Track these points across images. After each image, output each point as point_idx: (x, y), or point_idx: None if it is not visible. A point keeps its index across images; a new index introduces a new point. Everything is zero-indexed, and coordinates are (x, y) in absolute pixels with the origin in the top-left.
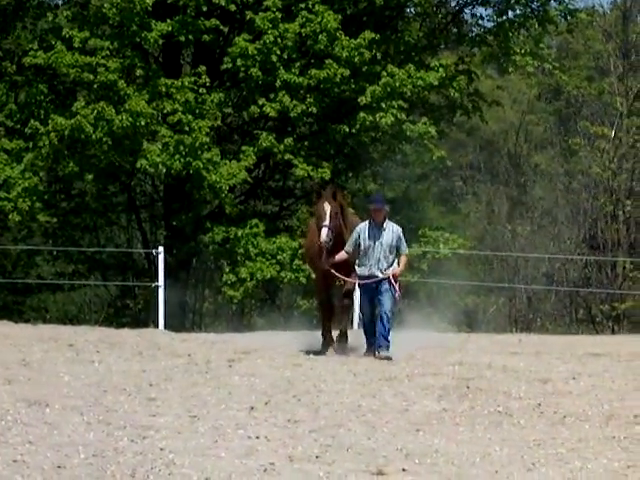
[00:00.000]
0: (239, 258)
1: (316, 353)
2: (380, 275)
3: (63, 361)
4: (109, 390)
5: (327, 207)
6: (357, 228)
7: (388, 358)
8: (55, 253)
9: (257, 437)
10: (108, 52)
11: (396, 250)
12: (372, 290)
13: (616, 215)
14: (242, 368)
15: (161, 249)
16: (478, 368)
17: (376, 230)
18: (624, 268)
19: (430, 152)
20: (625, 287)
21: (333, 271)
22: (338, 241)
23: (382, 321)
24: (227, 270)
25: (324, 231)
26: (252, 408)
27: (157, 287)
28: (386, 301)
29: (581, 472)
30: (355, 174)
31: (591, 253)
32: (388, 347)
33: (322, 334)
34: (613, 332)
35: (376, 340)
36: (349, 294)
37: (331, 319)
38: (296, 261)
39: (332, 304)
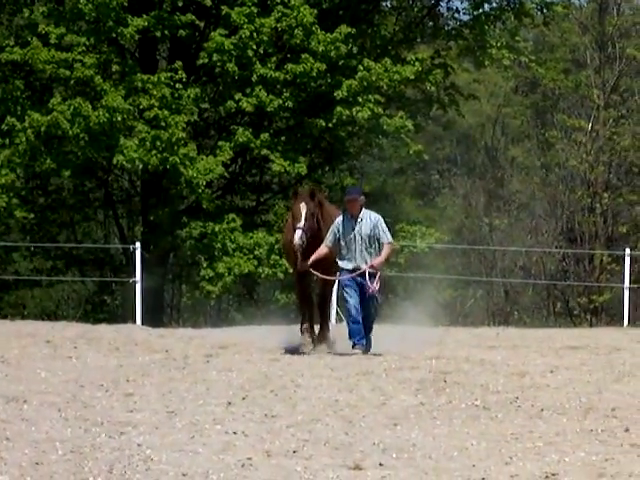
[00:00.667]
0: (216, 253)
1: (293, 351)
2: (363, 266)
3: (41, 357)
4: (86, 386)
5: (303, 208)
6: (335, 223)
7: (370, 355)
8: (32, 249)
9: (234, 432)
10: (84, 48)
11: (377, 241)
12: (357, 283)
13: (593, 208)
14: (219, 363)
15: (138, 244)
16: (456, 362)
17: (352, 222)
18: (601, 261)
19: (407, 146)
20: (602, 280)
21: (312, 270)
22: (316, 241)
23: (365, 322)
24: (205, 265)
25: (297, 233)
26: (229, 403)
27: (134, 282)
28: (369, 310)
29: (559, 465)
30: (332, 168)
31: (568, 246)
32: (370, 347)
33: (301, 331)
34: (591, 325)
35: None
36: (325, 299)
37: (311, 317)
38: (273, 256)
39: (311, 301)
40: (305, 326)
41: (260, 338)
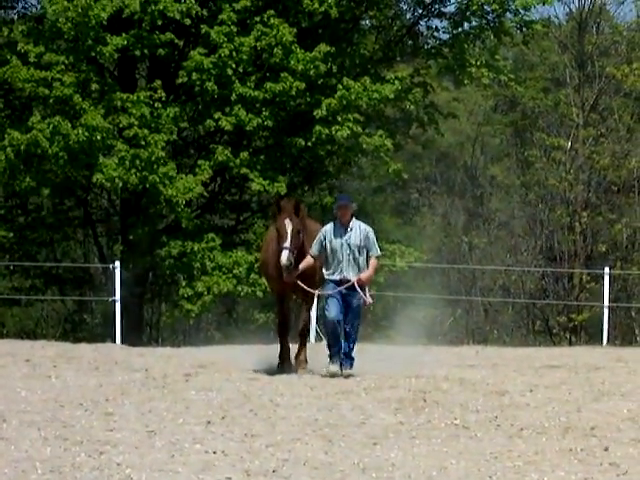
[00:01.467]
0: (195, 272)
1: (272, 372)
2: (352, 278)
3: (20, 376)
4: (66, 405)
5: (289, 225)
6: (322, 230)
7: (350, 375)
8: (12, 268)
9: (214, 452)
10: (63, 67)
11: (366, 252)
12: (341, 293)
13: (573, 227)
14: (199, 382)
15: (117, 263)
16: (435, 381)
17: (342, 230)
18: (581, 280)
19: (386, 165)
20: (582, 298)
21: (300, 282)
22: (300, 258)
23: (347, 339)
24: (184, 284)
25: (285, 254)
26: (209, 422)
27: (114, 301)
28: (354, 318)
29: None
30: (311, 187)
31: (548, 265)
32: (352, 365)
33: (279, 355)
34: (570, 344)
35: (340, 357)
36: (304, 330)
37: (285, 335)
38: (252, 275)
39: (289, 324)
40: (283, 360)
41: (239, 357)
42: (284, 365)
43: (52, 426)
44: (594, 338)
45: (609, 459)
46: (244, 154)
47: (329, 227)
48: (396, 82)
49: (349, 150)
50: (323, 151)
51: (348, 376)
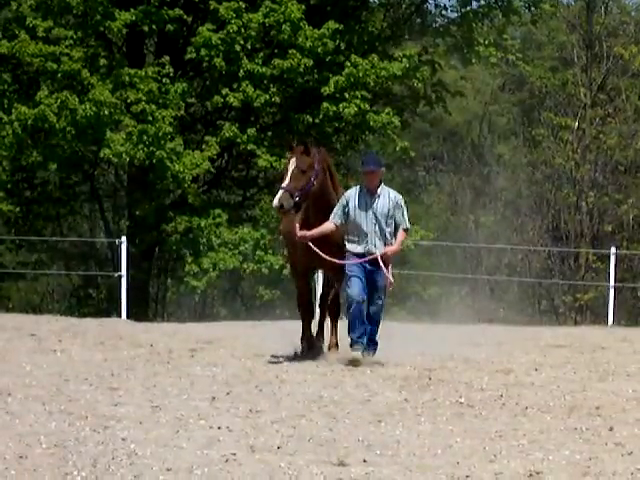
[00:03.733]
0: (202, 248)
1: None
2: (377, 252)
3: (25, 351)
4: (71, 380)
5: (291, 164)
6: (345, 194)
7: (377, 363)
8: (18, 242)
9: (219, 428)
10: (72, 41)
11: (394, 224)
12: (364, 269)
13: (579, 206)
14: (204, 358)
15: (124, 239)
16: (440, 359)
17: (368, 197)
18: (587, 259)
19: (393, 142)
20: (588, 278)
21: (311, 244)
22: (324, 209)
23: (371, 322)
24: (189, 260)
25: (278, 194)
26: (214, 398)
27: (120, 277)
28: (378, 298)
29: (543, 464)
30: None
31: (554, 244)
32: (375, 350)
33: (301, 344)
34: (575, 323)
35: (364, 341)
36: (334, 307)
37: (309, 314)
38: (258, 252)
39: (310, 298)
40: (304, 343)
41: (245, 333)
42: (308, 349)
43: (57, 400)
44: (599, 318)
45: (614, 439)
46: (251, 130)
47: (353, 192)
48: (404, 60)
49: (356, 127)
50: (330, 128)
51: (372, 363)
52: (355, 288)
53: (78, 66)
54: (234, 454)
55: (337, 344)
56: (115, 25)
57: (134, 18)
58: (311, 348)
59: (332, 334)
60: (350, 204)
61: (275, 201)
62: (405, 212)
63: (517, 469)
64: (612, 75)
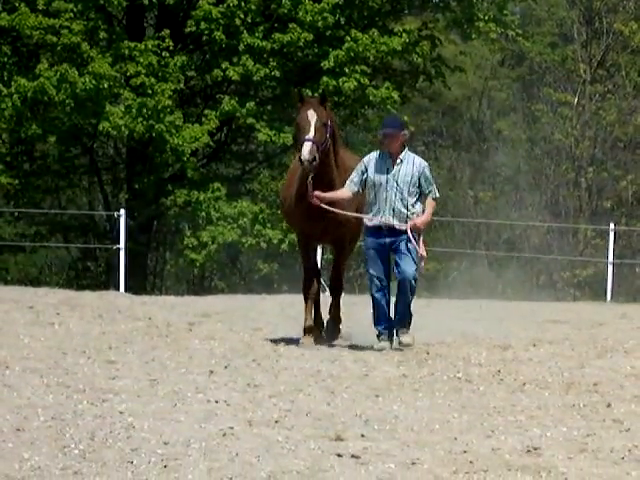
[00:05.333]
0: (200, 222)
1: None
2: (397, 224)
3: (23, 323)
4: (69, 353)
5: (312, 116)
6: (364, 159)
7: (408, 345)
8: (17, 214)
9: (216, 401)
10: (72, 14)
11: (419, 192)
12: (385, 245)
13: (578, 182)
14: (202, 332)
15: (123, 212)
16: (438, 334)
17: (389, 163)
18: (586, 235)
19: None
20: (586, 254)
21: (325, 205)
22: (324, 177)
23: (403, 292)
24: (188, 233)
25: (307, 146)
26: (212, 372)
27: (118, 250)
28: (407, 266)
29: (540, 440)
30: None
31: (553, 220)
32: (409, 326)
33: (304, 326)
34: (574, 299)
35: (396, 318)
36: (338, 283)
37: (312, 290)
38: (257, 226)
39: (317, 271)
40: (309, 322)
41: (243, 307)
42: (311, 333)
43: (54, 373)
44: (598, 294)
45: (612, 415)
46: (251, 104)
47: (373, 157)
48: (404, 35)
49: (356, 102)
50: (330, 102)
51: (406, 345)
52: (376, 269)
53: (78, 39)
54: (232, 428)
55: (336, 323)
56: None
57: None
58: (314, 331)
59: (332, 312)
60: (370, 169)
61: (306, 154)
62: (432, 179)
63: (514, 445)
64: (612, 51)
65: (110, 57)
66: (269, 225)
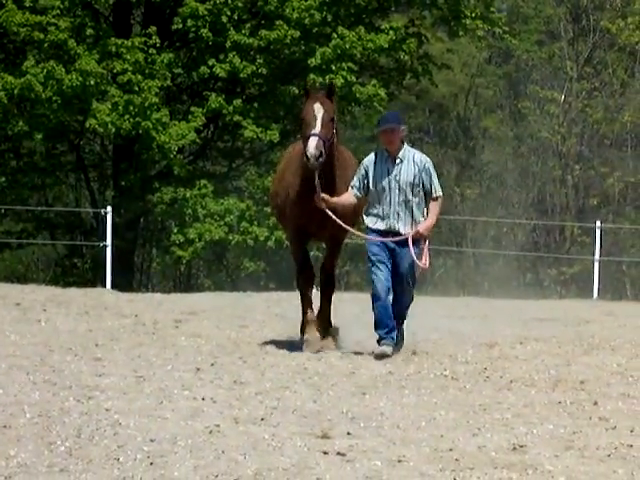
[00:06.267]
0: (187, 219)
1: (261, 321)
2: (402, 228)
3: (10, 320)
4: (55, 350)
5: (319, 109)
6: (363, 162)
7: (385, 355)
8: (3, 212)
9: (203, 399)
10: (59, 11)
11: (423, 192)
12: (387, 251)
13: (565, 179)
14: (189, 329)
15: (109, 209)
16: (425, 331)
17: (389, 163)
18: (572, 233)
19: (379, 114)
20: (573, 252)
21: (330, 212)
22: (327, 175)
23: (402, 293)
24: (175, 230)
25: (313, 140)
26: (198, 369)
27: (105, 247)
28: (405, 275)
29: (527, 437)
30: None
31: (539, 217)
32: (394, 340)
33: (302, 321)
34: (561, 297)
35: (394, 336)
36: (330, 280)
37: (310, 290)
38: (244, 223)
39: (311, 269)
40: (309, 316)
41: (229, 304)
42: (308, 329)
43: (41, 370)
44: (584, 291)
45: (598, 413)
46: (237, 101)
47: (371, 158)
48: (391, 32)
49: (342, 99)
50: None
51: (382, 356)
52: (380, 275)
53: (65, 36)
54: (218, 425)
55: (329, 324)
56: None
57: None
58: (310, 330)
59: (323, 311)
60: (370, 172)
61: (312, 149)
62: (435, 177)
63: (501, 442)
64: (598, 49)
65: (97, 54)
66: (256, 222)
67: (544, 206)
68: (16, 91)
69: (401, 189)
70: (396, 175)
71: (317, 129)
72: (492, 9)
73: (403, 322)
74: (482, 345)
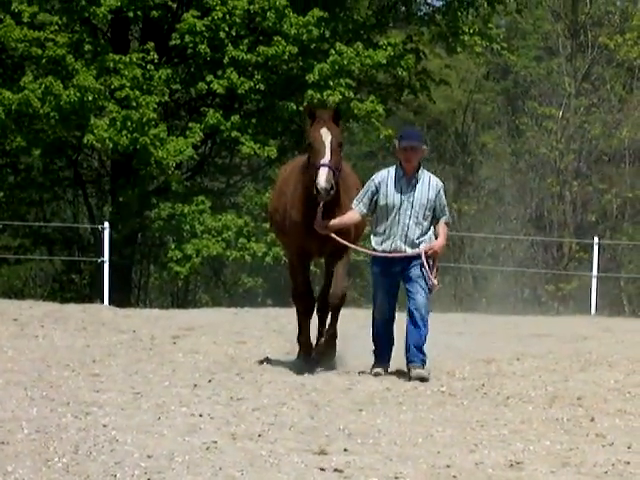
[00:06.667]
0: (185, 235)
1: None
2: (409, 251)
3: (7, 336)
4: (53, 365)
5: (326, 135)
6: (374, 177)
7: (423, 379)
8: (1, 227)
9: (200, 415)
10: (57, 27)
11: (433, 215)
12: (395, 274)
13: (563, 196)
14: (186, 345)
15: (107, 224)
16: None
17: (404, 182)
18: (570, 249)
19: (377, 130)
20: (571, 268)
21: (334, 235)
22: (333, 199)
23: (414, 323)
24: (172, 246)
25: (323, 173)
26: (195, 385)
27: (102, 262)
28: (419, 293)
29: (524, 454)
30: (302, 152)
31: (537, 233)
32: (424, 362)
33: (297, 339)
34: (558, 313)
35: (408, 351)
36: (339, 301)
37: (310, 315)
38: (241, 239)
39: (312, 294)
40: (304, 338)
41: (227, 320)
42: (307, 355)
43: (38, 386)
44: (582, 308)
45: (595, 429)
46: (235, 117)
47: (385, 174)
48: (389, 48)
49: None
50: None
51: (420, 379)
52: (381, 299)
53: (63, 51)
54: (215, 442)
55: (333, 338)
56: (100, 11)
57: (119, 4)
58: (309, 351)
59: (331, 329)
60: (381, 189)
61: (322, 182)
62: (445, 202)
63: (498, 459)
64: (597, 65)
65: (95, 70)
66: (253, 238)
67: (542, 222)
68: (14, 106)
69: (413, 211)
70: (409, 196)
71: (327, 158)
72: (490, 25)
73: (425, 338)
74: (479, 361)
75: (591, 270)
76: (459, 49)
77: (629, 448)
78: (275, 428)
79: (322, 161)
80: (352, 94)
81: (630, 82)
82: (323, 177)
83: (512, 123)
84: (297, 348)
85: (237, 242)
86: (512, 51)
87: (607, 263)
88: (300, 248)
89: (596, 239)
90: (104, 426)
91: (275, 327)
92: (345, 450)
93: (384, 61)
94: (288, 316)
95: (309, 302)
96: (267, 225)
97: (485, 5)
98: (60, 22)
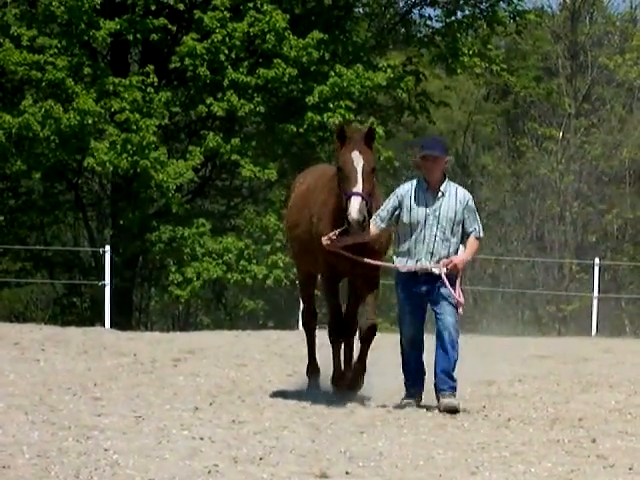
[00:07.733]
0: (185, 257)
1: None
2: (436, 271)
3: (8, 359)
4: (54, 389)
5: (359, 160)
6: (397, 191)
7: (453, 410)
8: (2, 250)
9: (201, 438)
10: (56, 50)
11: (462, 230)
12: (420, 295)
13: (563, 216)
14: (187, 368)
15: (108, 248)
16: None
17: (429, 195)
18: (571, 270)
19: (377, 152)
20: (571, 289)
21: (343, 252)
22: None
23: (443, 347)
24: (173, 269)
25: (356, 203)
26: (197, 409)
27: (103, 285)
28: (447, 314)
29: (525, 476)
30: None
31: (538, 254)
32: (454, 389)
33: (307, 371)
34: (559, 334)
35: (437, 378)
36: (373, 326)
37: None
38: (242, 262)
39: (342, 317)
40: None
41: (228, 343)
42: (312, 380)
43: (39, 410)
44: (583, 329)
45: (597, 451)
46: (235, 140)
47: (408, 188)
48: (388, 70)
49: None
50: (315, 138)
51: (450, 410)
52: (410, 324)
53: (62, 75)
54: (216, 465)
55: (362, 373)
56: (100, 34)
57: (119, 27)
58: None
59: (362, 359)
60: (404, 204)
61: (355, 214)
62: (477, 216)
63: None
64: (597, 85)
65: (95, 93)
66: (254, 261)
67: (543, 243)
68: (14, 130)
69: (440, 226)
70: (435, 210)
71: (359, 187)
72: (490, 46)
73: (455, 365)
74: (480, 383)
75: (592, 291)
76: (459, 70)
77: (630, 469)
78: (276, 451)
79: (354, 189)
80: (352, 116)
81: (630, 102)
82: (356, 208)
83: (512, 144)
84: (298, 370)
85: (238, 265)
86: (512, 72)
87: (608, 284)
88: (332, 267)
89: (597, 260)
90: (105, 450)
91: (276, 350)
92: (347, 473)
93: (384, 83)
94: (289, 339)
95: (341, 315)
96: (267, 248)
97: (484, 26)
98: (60, 45)
